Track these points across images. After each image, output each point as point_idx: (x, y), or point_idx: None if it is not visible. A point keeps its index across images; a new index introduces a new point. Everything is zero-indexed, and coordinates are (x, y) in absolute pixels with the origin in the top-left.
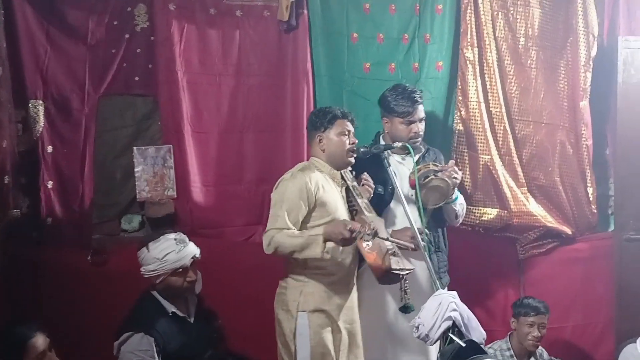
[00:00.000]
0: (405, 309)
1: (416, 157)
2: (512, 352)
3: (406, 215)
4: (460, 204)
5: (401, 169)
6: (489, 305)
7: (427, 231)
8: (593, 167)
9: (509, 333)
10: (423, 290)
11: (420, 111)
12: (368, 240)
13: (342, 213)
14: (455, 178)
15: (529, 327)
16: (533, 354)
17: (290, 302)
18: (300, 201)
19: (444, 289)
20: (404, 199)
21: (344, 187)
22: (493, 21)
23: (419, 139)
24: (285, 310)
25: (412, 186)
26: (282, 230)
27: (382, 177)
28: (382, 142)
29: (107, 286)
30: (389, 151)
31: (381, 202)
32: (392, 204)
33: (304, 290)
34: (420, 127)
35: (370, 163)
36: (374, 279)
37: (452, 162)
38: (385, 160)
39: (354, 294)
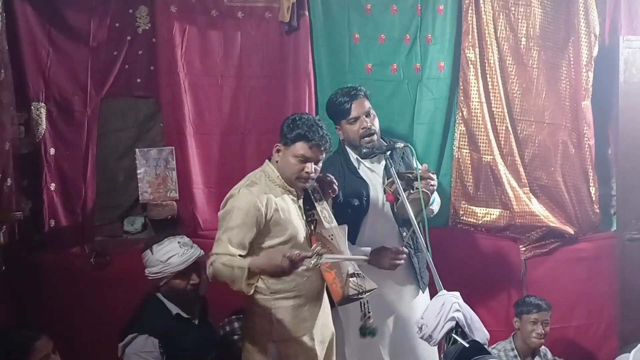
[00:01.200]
0: (367, 333)
1: (383, 162)
2: (516, 353)
3: (409, 213)
4: (437, 203)
5: (373, 177)
6: (492, 306)
7: (409, 232)
8: (595, 166)
9: (512, 334)
10: (405, 295)
11: (362, 106)
12: (315, 265)
13: (299, 229)
14: (433, 185)
15: (532, 325)
16: (537, 354)
17: (257, 333)
18: (246, 223)
19: (425, 288)
20: (405, 199)
21: (301, 199)
22: (494, 21)
23: (373, 136)
24: (253, 340)
25: (391, 201)
26: (220, 256)
27: (356, 189)
28: (349, 151)
29: (110, 288)
30: (359, 159)
31: (358, 214)
32: (370, 215)
33: (273, 318)
34: (368, 121)
35: (342, 174)
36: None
37: (425, 166)
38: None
39: (327, 307)
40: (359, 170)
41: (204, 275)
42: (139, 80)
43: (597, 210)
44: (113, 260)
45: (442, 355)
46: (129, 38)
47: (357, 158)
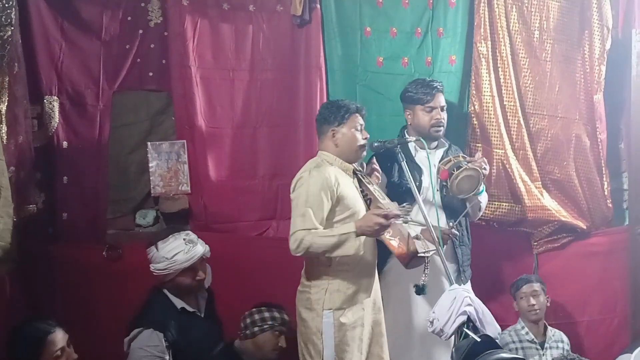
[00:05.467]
0: (420, 290)
1: (441, 152)
2: (527, 330)
3: (428, 209)
4: (484, 196)
5: (426, 163)
6: (504, 300)
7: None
8: (607, 160)
9: (519, 319)
10: (440, 283)
11: (441, 99)
12: (406, 221)
13: (361, 205)
14: (485, 169)
15: (524, 300)
16: (547, 332)
17: (314, 301)
18: (323, 198)
19: (466, 282)
20: (434, 194)
21: (355, 179)
22: (507, 14)
23: (442, 128)
24: (310, 309)
25: (444, 178)
26: (310, 231)
27: (410, 172)
28: (407, 137)
29: (122, 281)
30: (416, 147)
31: (410, 197)
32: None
33: (329, 288)
34: (442, 115)
35: (397, 158)
36: (398, 278)
37: (479, 154)
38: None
39: (377, 284)
40: (415, 157)
41: (210, 269)
42: (151, 73)
43: (610, 205)
44: (125, 253)
45: (453, 350)
46: (141, 32)
47: (414, 146)
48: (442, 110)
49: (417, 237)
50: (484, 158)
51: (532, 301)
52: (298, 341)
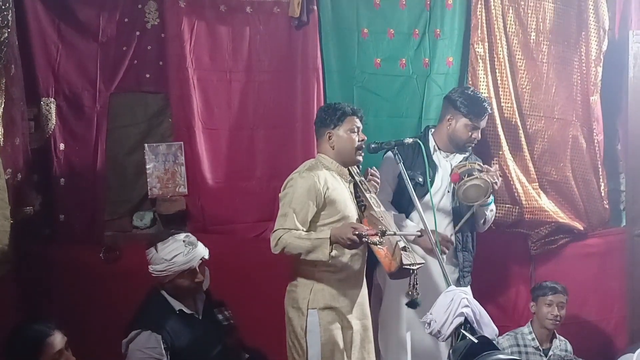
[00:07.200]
0: (412, 305)
1: (460, 157)
2: (534, 336)
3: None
4: (491, 210)
5: (444, 164)
6: (501, 302)
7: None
8: (604, 162)
9: (530, 320)
10: (437, 285)
11: (484, 122)
12: (377, 244)
13: (352, 210)
14: (496, 183)
15: (547, 307)
16: (554, 339)
17: (300, 300)
18: (308, 200)
19: (467, 286)
20: (442, 191)
21: (351, 184)
22: (504, 16)
23: (473, 145)
24: (296, 307)
25: (455, 181)
26: (289, 231)
27: (424, 168)
28: (431, 138)
29: (119, 283)
30: (436, 146)
31: (419, 191)
32: (428, 197)
33: (314, 287)
34: (479, 136)
35: (415, 153)
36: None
37: (495, 166)
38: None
39: (364, 290)
40: (432, 155)
41: (208, 271)
42: (148, 75)
43: (607, 206)
44: (122, 255)
45: (450, 351)
46: (138, 33)
47: (434, 146)
48: (480, 132)
49: (404, 249)
50: (497, 172)
51: (557, 312)
52: (286, 340)
